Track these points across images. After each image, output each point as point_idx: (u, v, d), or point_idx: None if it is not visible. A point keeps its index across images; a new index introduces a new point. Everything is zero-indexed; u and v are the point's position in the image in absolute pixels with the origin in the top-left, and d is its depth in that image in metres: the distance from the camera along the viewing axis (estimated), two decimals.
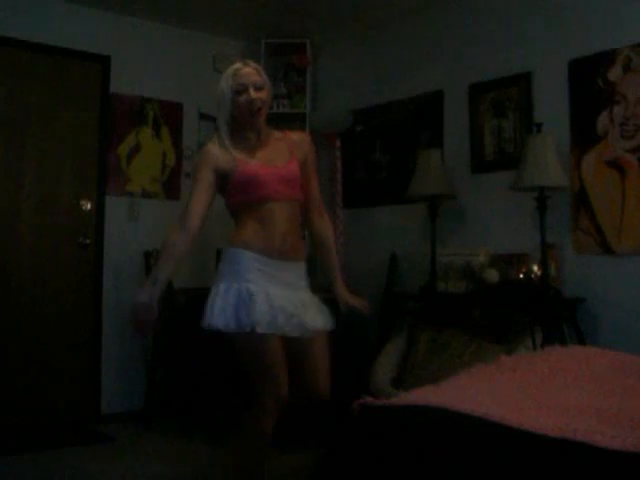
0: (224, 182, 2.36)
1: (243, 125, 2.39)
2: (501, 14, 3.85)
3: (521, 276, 3.45)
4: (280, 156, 2.42)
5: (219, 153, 2.36)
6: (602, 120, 3.36)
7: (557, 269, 3.44)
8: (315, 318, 2.42)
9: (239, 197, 2.36)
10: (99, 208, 4.27)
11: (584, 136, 3.43)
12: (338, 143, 4.43)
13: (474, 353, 3.26)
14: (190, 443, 3.74)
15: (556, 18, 3.59)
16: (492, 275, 3.53)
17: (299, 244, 2.47)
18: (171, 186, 4.53)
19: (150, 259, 4.18)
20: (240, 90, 2.34)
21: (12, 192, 4.02)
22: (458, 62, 4.04)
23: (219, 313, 2.24)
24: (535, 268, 3.40)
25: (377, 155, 4.46)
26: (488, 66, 3.87)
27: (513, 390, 1.96)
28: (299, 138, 2.55)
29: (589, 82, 3.41)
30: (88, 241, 4.22)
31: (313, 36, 4.69)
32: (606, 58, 3.35)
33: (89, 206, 4.25)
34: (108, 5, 4.22)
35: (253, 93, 2.33)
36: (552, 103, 3.57)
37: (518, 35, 3.74)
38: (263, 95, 2.37)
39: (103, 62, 4.30)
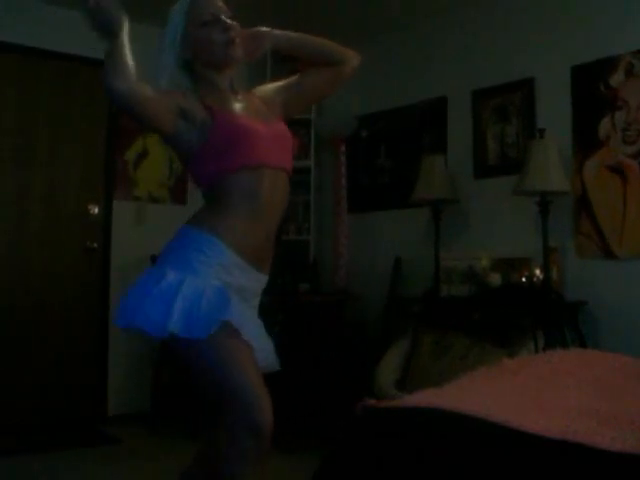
0: (189, 142, 1.69)
1: (209, 70, 1.78)
2: (504, 20, 3.88)
3: (523, 280, 3.47)
4: (268, 112, 1.82)
5: (181, 94, 1.71)
6: (604, 125, 3.39)
7: (559, 273, 3.47)
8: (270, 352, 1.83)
9: (220, 163, 1.68)
10: (106, 212, 4.31)
11: (586, 141, 3.45)
12: (343, 148, 4.46)
13: (477, 356, 3.29)
14: (195, 446, 3.75)
15: (558, 24, 3.61)
16: (495, 279, 3.57)
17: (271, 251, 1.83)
18: (178, 191, 4.57)
19: None
20: (209, 21, 1.74)
21: (21, 196, 4.06)
22: (461, 68, 4.07)
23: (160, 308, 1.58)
24: (537, 272, 3.42)
25: (381, 160, 4.49)
26: (491, 72, 3.90)
27: (515, 392, 1.99)
28: (265, 89, 1.95)
29: (591, 88, 3.44)
30: (95, 245, 4.26)
31: None
32: (608, 64, 3.37)
33: (97, 210, 4.29)
34: None
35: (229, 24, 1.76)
36: (554, 108, 3.60)
37: (521, 41, 3.77)
38: (237, 28, 1.80)
39: None
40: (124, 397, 4.29)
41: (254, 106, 1.81)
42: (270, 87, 1.95)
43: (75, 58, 4.20)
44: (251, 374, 1.62)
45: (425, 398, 1.85)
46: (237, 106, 1.77)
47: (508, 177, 3.65)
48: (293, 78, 1.95)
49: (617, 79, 3.34)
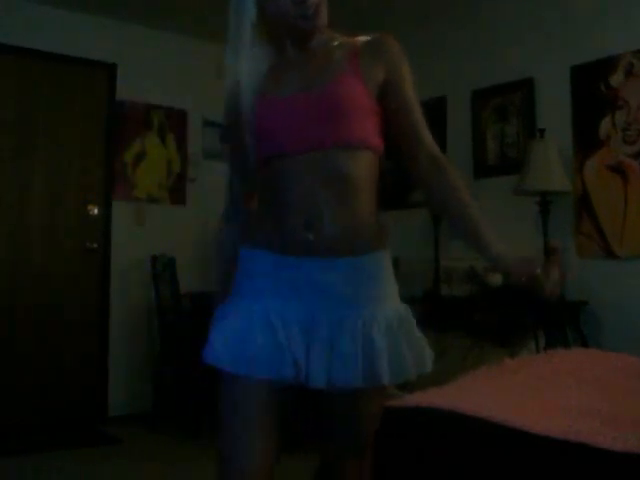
0: None
1: (279, 39, 1.49)
2: (503, 20, 3.89)
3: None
4: (325, 72, 1.45)
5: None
6: (604, 125, 3.39)
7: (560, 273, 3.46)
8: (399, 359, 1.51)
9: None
10: (106, 213, 4.31)
11: (586, 141, 3.45)
12: None
13: (478, 356, 3.29)
14: (196, 446, 3.76)
15: (558, 24, 3.62)
16: (495, 278, 3.56)
17: (364, 226, 1.48)
18: (177, 191, 4.57)
19: (156, 263, 4.21)
20: None
21: (20, 197, 4.07)
22: (461, 68, 4.07)
23: (216, 340, 1.48)
24: (538, 272, 3.42)
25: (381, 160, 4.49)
26: (491, 72, 3.90)
27: (516, 392, 1.98)
28: (375, 41, 1.57)
29: (591, 88, 3.44)
30: (95, 246, 4.26)
31: None
32: (608, 64, 3.38)
33: (96, 211, 4.29)
34: (114, 13, 4.27)
35: None
36: (555, 108, 3.60)
37: (520, 41, 3.78)
38: None
39: (109, 70, 4.34)
40: (125, 397, 4.29)
41: (312, 69, 1.47)
42: (391, 57, 1.59)
43: (75, 60, 4.21)
44: (242, 434, 1.50)
45: (426, 398, 1.84)
46: (287, 77, 1.46)
47: (508, 177, 3.65)
48: (403, 95, 1.57)
49: (617, 79, 3.35)
